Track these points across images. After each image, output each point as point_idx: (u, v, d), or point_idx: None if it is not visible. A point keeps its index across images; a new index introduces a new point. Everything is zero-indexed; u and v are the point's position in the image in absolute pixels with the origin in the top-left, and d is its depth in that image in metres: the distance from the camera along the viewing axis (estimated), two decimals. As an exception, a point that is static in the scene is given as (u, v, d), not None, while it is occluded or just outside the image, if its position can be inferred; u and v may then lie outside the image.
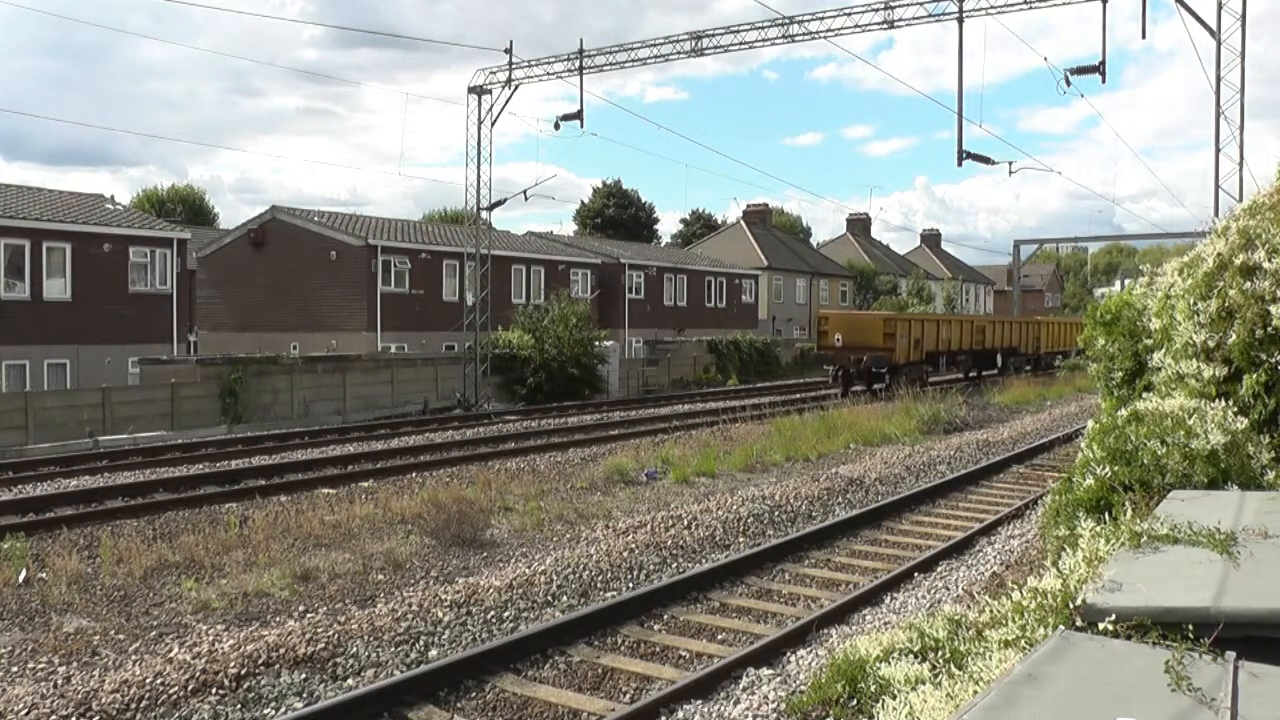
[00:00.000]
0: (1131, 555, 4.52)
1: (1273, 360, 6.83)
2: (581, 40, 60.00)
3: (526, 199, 31.39)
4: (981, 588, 8.64)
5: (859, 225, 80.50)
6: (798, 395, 31.48)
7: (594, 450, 18.92)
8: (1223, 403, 6.80)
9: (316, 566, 9.98)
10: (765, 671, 7.08)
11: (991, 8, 21.26)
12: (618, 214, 73.92)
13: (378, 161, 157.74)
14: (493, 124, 28.17)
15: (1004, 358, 38.46)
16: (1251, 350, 6.98)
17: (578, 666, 7.47)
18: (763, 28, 24.05)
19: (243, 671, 6.88)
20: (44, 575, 9.65)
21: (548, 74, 27.01)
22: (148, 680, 6.65)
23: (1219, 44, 19.98)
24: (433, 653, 7.62)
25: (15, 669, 7.18)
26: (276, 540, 10.98)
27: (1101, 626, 3.71)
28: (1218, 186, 19.97)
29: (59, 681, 6.78)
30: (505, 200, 38.52)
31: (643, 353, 40.85)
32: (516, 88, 27.66)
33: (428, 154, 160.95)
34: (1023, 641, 4.27)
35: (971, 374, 37.24)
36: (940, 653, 5.20)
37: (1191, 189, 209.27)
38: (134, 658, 7.33)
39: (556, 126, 26.97)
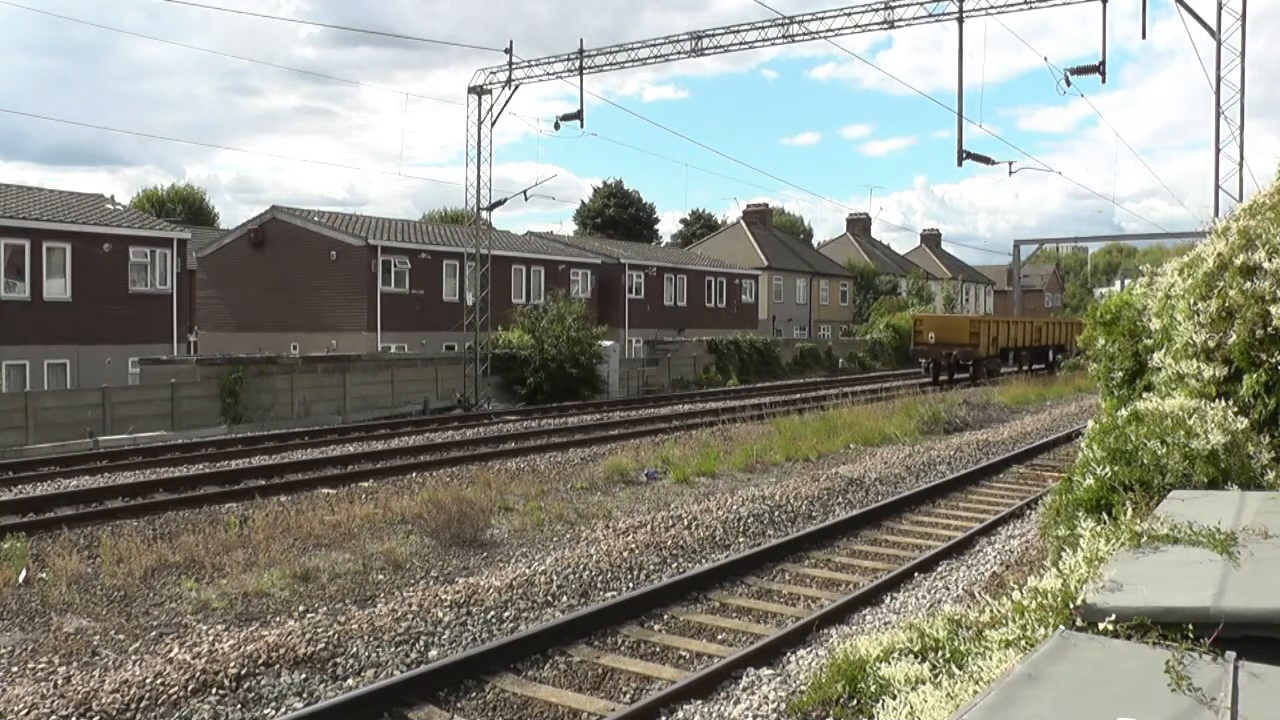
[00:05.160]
0: (1131, 555, 4.52)
1: (1273, 360, 6.83)
2: (581, 40, 60.02)
3: (526, 199, 31.47)
4: (982, 588, 8.64)
5: (859, 225, 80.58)
6: (798, 395, 31.49)
7: (594, 450, 18.92)
8: (1223, 403, 6.79)
9: (316, 566, 9.98)
10: (765, 671, 7.08)
11: (991, 8, 21.27)
12: (618, 214, 73.95)
13: (376, 161, 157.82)
14: (493, 124, 28.21)
15: (1054, 353, 43.69)
16: (1251, 350, 6.97)
17: (578, 666, 7.47)
18: (763, 27, 24.07)
19: (243, 671, 6.88)
20: (44, 575, 9.65)
21: (548, 74, 27.03)
22: (148, 680, 6.65)
23: (1219, 44, 19.98)
24: (433, 653, 7.62)
25: (15, 669, 7.18)
26: (277, 540, 10.97)
27: (1101, 626, 3.70)
28: (1218, 186, 19.98)
29: (59, 681, 6.78)
30: (505, 200, 38.63)
31: (643, 353, 40.81)
32: (516, 88, 27.71)
33: (427, 154, 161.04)
34: (1023, 641, 4.27)
35: (1025, 367, 41.88)
36: (940, 653, 5.20)
37: (1191, 189, 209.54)
38: (134, 658, 7.33)
39: (556, 126, 27.01)
